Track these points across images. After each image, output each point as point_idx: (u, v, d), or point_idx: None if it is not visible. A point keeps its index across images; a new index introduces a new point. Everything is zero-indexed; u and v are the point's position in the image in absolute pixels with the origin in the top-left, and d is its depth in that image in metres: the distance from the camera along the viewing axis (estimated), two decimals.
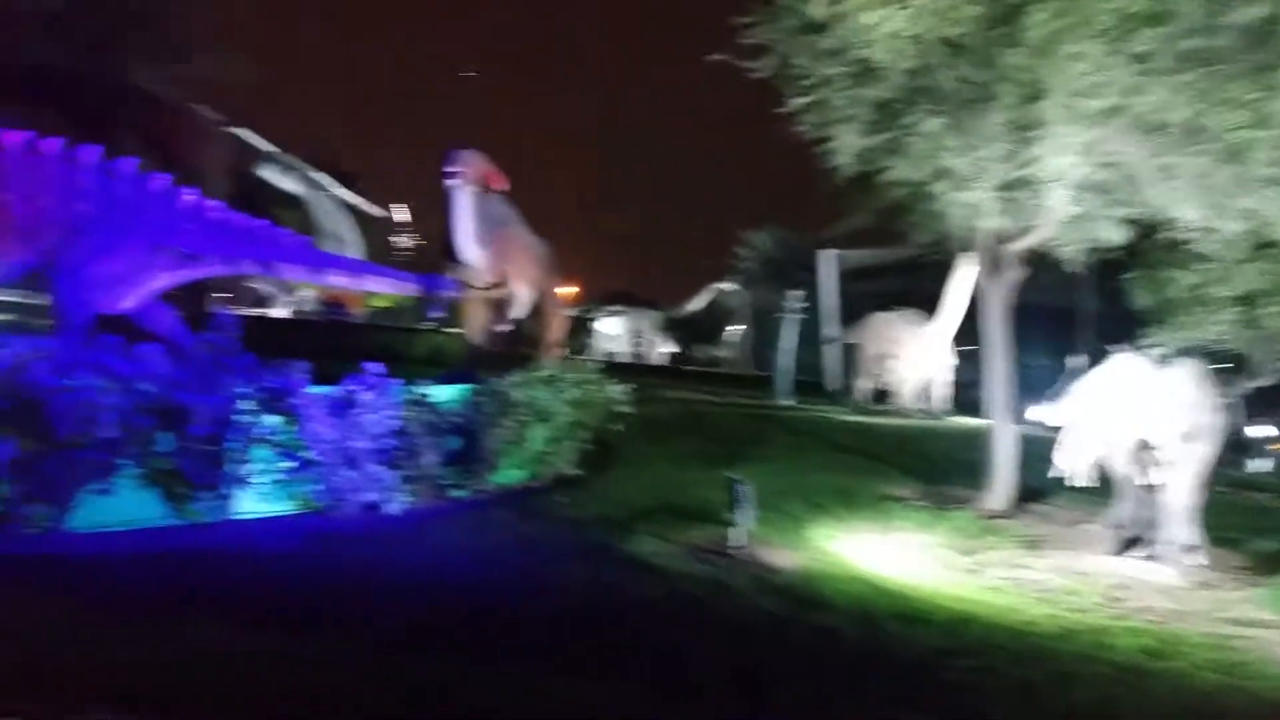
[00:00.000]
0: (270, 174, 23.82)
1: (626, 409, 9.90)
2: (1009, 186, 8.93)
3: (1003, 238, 10.13)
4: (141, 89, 27.95)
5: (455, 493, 8.48)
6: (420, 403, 8.09)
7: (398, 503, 7.84)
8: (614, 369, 11.41)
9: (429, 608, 5.62)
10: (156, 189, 7.81)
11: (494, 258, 10.35)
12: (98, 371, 6.56)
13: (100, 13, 28.03)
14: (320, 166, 27.12)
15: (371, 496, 7.73)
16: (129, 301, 7.82)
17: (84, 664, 4.33)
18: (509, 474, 9.12)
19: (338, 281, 8.87)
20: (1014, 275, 10.42)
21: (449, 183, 9.90)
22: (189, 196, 7.97)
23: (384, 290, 8.97)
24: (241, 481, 7.01)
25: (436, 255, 10.61)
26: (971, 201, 9.03)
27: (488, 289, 10.59)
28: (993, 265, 10.55)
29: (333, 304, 25.75)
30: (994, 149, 8.70)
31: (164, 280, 8.03)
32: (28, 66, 25.59)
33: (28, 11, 27.26)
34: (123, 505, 6.71)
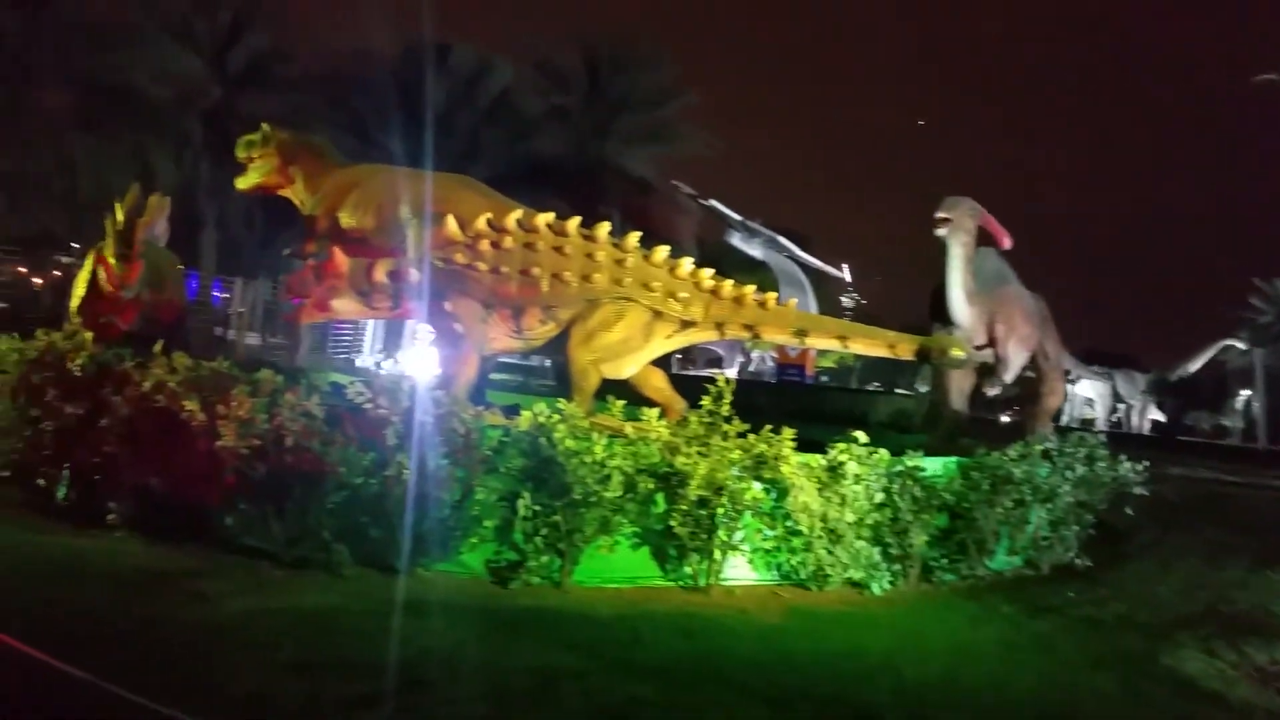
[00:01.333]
0: (737, 240, 24.93)
1: (1139, 489, 8.57)
2: None
3: None
4: (624, 169, 31.15)
5: (944, 576, 7.80)
6: (909, 475, 7.55)
7: (881, 583, 7.35)
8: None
9: (918, 702, 5.05)
10: (658, 260, 8.18)
11: (986, 316, 9.58)
12: (606, 434, 6.86)
13: (596, 104, 31.86)
14: (779, 230, 28.00)
15: (855, 574, 7.32)
16: (633, 368, 8.23)
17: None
18: (1002, 560, 8.24)
19: (821, 343, 8.61)
20: None
21: (939, 231, 9.35)
22: (687, 265, 8.24)
23: (871, 351, 8.52)
24: (730, 548, 6.95)
25: (925, 311, 10.06)
26: None
27: (977, 350, 9.82)
28: None
29: (788, 365, 26.14)
30: None
31: (661, 346, 8.37)
32: (534, 155, 29.60)
33: (534, 110, 31.76)
34: (620, 563, 6.96)
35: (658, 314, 8.06)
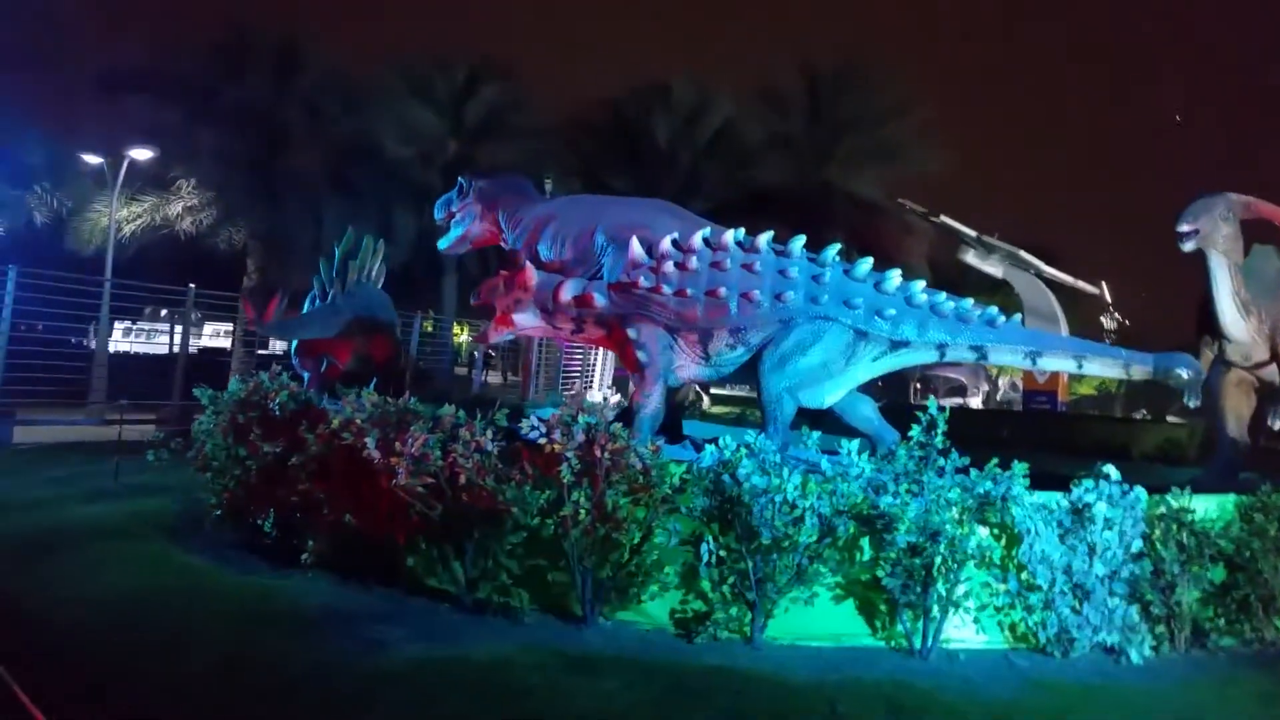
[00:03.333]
0: (972, 258, 23.19)
1: None
2: None
3: None
4: (851, 192, 30.02)
5: (1221, 641, 6.42)
6: (1173, 519, 6.27)
7: (1141, 648, 6.11)
8: None
9: None
10: (859, 275, 7.35)
11: (1267, 327, 8.02)
12: (801, 469, 6.12)
13: (819, 127, 31.01)
14: (1023, 246, 25.86)
15: (1108, 637, 6.12)
16: (834, 395, 7.42)
17: None
18: None
19: (1054, 364, 7.46)
20: None
21: (1186, 246, 7.94)
22: (895, 280, 7.35)
23: (1108, 373, 7.28)
24: (951, 604, 5.97)
25: (1192, 327, 8.61)
26: None
27: (1256, 367, 8.24)
28: None
29: (1036, 392, 23.99)
30: None
31: (868, 370, 7.50)
32: (755, 184, 29.13)
33: (755, 139, 31.33)
34: (821, 618, 6.15)
35: (861, 334, 7.21)
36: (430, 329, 28.99)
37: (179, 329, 20.90)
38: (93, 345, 20.27)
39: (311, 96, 21.61)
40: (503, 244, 9.61)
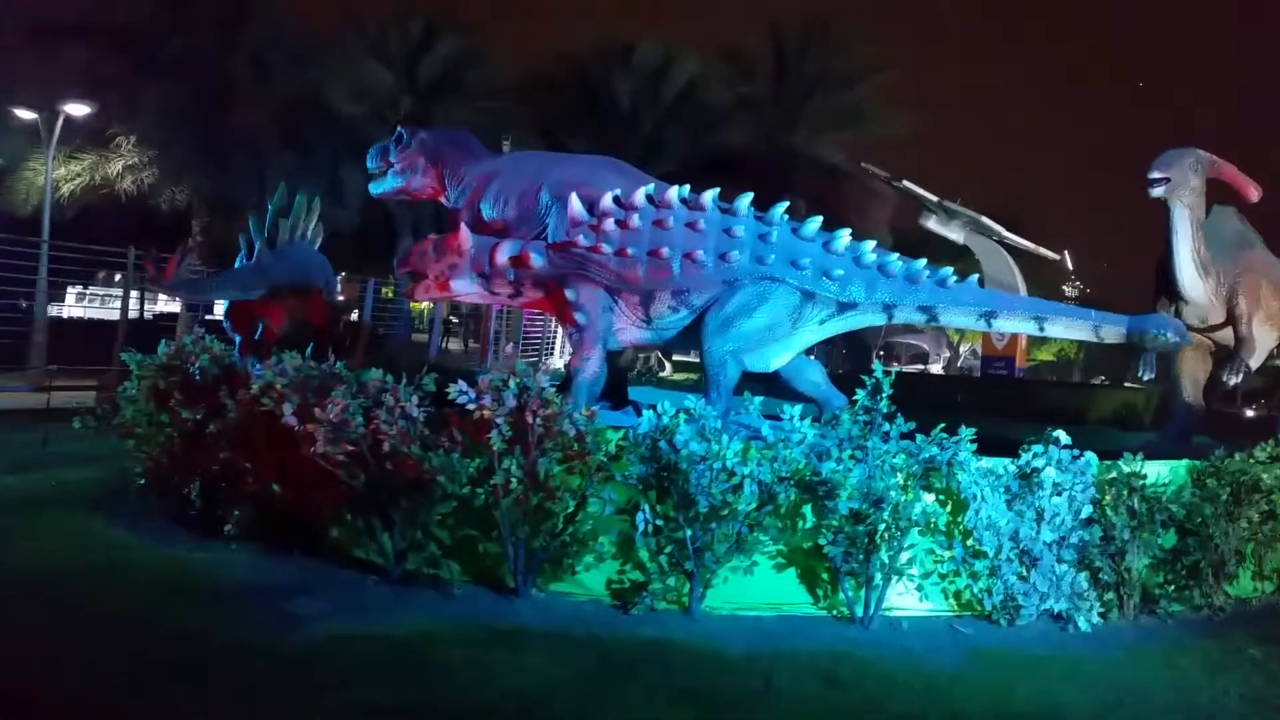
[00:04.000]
0: (933, 224, 22.96)
1: None
2: None
3: None
4: (815, 156, 29.74)
5: (1171, 607, 6.31)
6: (1124, 484, 6.11)
7: (1090, 616, 5.97)
8: None
9: None
10: (808, 234, 7.07)
11: (1224, 289, 7.88)
12: (742, 435, 5.88)
13: (785, 90, 30.64)
14: (986, 213, 25.71)
15: (1056, 605, 5.97)
16: (780, 359, 7.16)
17: None
18: (1247, 586, 6.66)
19: (1012, 326, 7.26)
20: None
21: (1155, 192, 7.80)
22: (844, 240, 7.08)
23: (1074, 335, 7.09)
24: (894, 572, 5.78)
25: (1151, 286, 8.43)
26: None
27: (1211, 330, 8.10)
28: None
29: (993, 357, 23.99)
30: None
31: (815, 333, 7.25)
32: (719, 147, 28.75)
33: (720, 101, 30.92)
34: (761, 587, 5.95)
35: (809, 295, 6.94)
36: (389, 294, 28.44)
37: (134, 294, 20.24)
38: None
39: (259, 50, 20.86)
40: (444, 201, 9.21)
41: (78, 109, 19.03)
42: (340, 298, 11.85)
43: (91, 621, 5.25)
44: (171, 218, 21.76)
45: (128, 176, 20.31)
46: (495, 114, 27.87)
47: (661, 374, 23.64)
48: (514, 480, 5.68)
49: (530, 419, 5.74)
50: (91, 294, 35.52)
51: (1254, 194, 8.06)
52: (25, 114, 20.10)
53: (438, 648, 5.08)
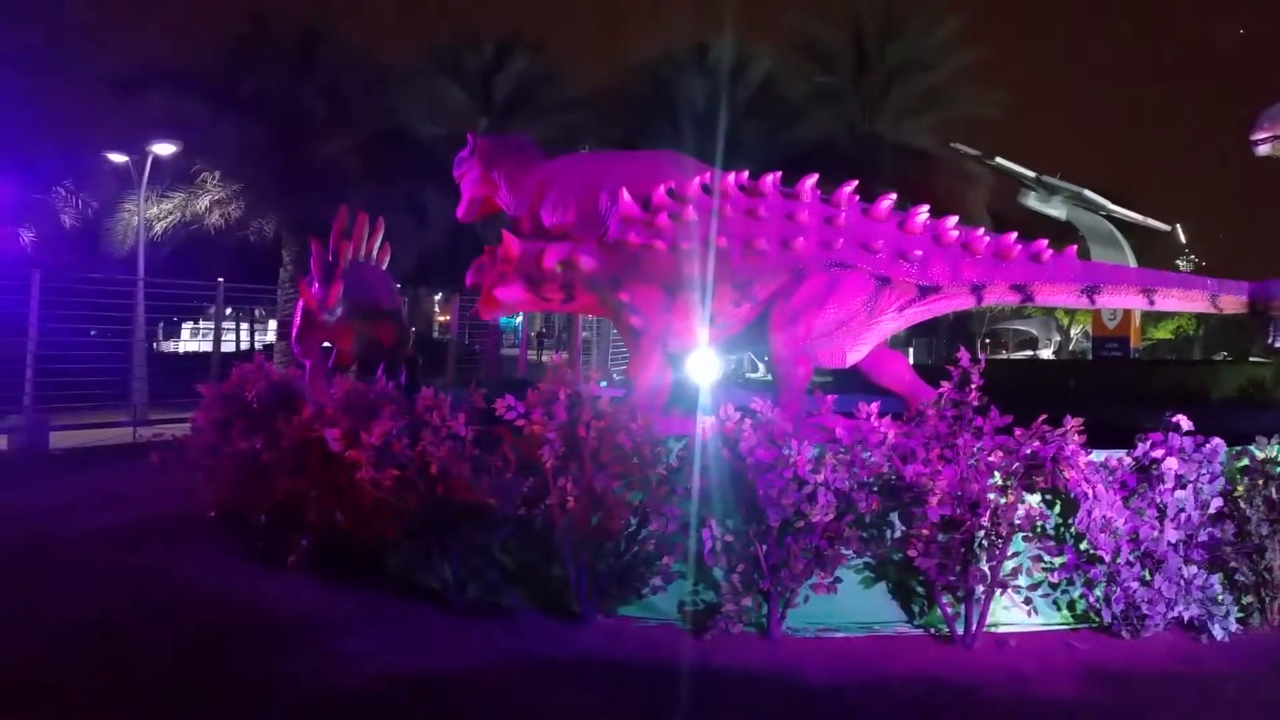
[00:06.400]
0: (1033, 201, 21.80)
1: None
2: None
3: None
4: (902, 142, 28.73)
5: None
6: (1259, 471, 5.36)
7: (1226, 624, 5.24)
8: None
9: None
10: (880, 215, 6.47)
11: None
12: (816, 438, 5.34)
13: (866, 77, 29.73)
14: (1089, 187, 24.35)
15: (1186, 612, 5.26)
16: (857, 352, 6.58)
17: None
18: None
19: (1118, 300, 6.54)
20: None
21: (1261, 150, 7.00)
22: (921, 218, 6.46)
23: (1189, 307, 6.33)
24: (997, 583, 5.16)
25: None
26: None
27: None
28: None
29: (1106, 338, 22.65)
30: None
31: (895, 322, 6.65)
32: (800, 140, 28.00)
33: (799, 94, 30.16)
34: (849, 605, 5.39)
35: (885, 280, 6.34)
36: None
37: (244, 326, 20.72)
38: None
39: (332, 80, 21.14)
40: (505, 210, 8.90)
41: (164, 148, 19.56)
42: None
43: (130, 665, 5.04)
44: (261, 249, 22.20)
45: (215, 211, 20.81)
46: (572, 127, 27.83)
47: (752, 375, 23.04)
48: (570, 498, 5.28)
49: (584, 432, 5.34)
50: (204, 328, 36.84)
51: None
52: (116, 157, 20.85)
53: (482, 692, 4.69)
